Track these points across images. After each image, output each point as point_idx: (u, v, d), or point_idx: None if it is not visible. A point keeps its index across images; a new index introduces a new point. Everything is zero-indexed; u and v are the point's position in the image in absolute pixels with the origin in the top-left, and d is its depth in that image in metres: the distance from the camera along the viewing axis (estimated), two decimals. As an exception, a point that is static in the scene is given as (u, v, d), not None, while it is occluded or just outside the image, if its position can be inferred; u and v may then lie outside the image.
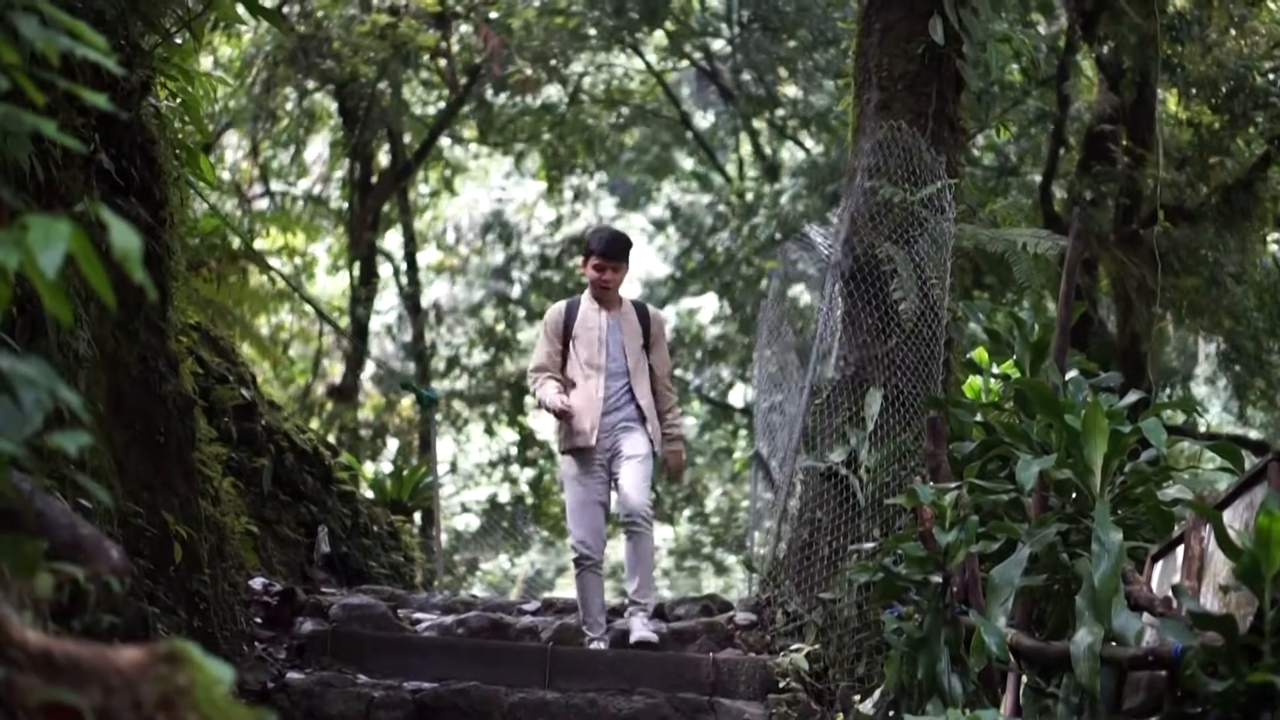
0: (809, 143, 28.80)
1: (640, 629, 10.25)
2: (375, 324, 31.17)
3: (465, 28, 26.18)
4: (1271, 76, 21.00)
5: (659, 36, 28.73)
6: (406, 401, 28.89)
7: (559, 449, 10.96)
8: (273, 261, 22.18)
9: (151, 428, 7.93)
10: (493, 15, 24.90)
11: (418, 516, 19.51)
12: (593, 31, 25.81)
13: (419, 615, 11.25)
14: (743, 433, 31.12)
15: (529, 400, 31.34)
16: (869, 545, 9.72)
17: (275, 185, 29.22)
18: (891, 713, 7.92)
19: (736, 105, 28.68)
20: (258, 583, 10.71)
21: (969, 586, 7.12)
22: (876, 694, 8.53)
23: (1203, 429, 21.87)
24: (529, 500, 31.70)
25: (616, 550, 29.73)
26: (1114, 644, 5.57)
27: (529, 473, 31.87)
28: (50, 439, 2.88)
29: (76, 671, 2.52)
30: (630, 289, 35.83)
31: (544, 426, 31.79)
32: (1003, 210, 13.39)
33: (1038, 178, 22.33)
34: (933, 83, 11.26)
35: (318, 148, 29.55)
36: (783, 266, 12.75)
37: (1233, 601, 5.42)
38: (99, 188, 7.19)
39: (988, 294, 20.55)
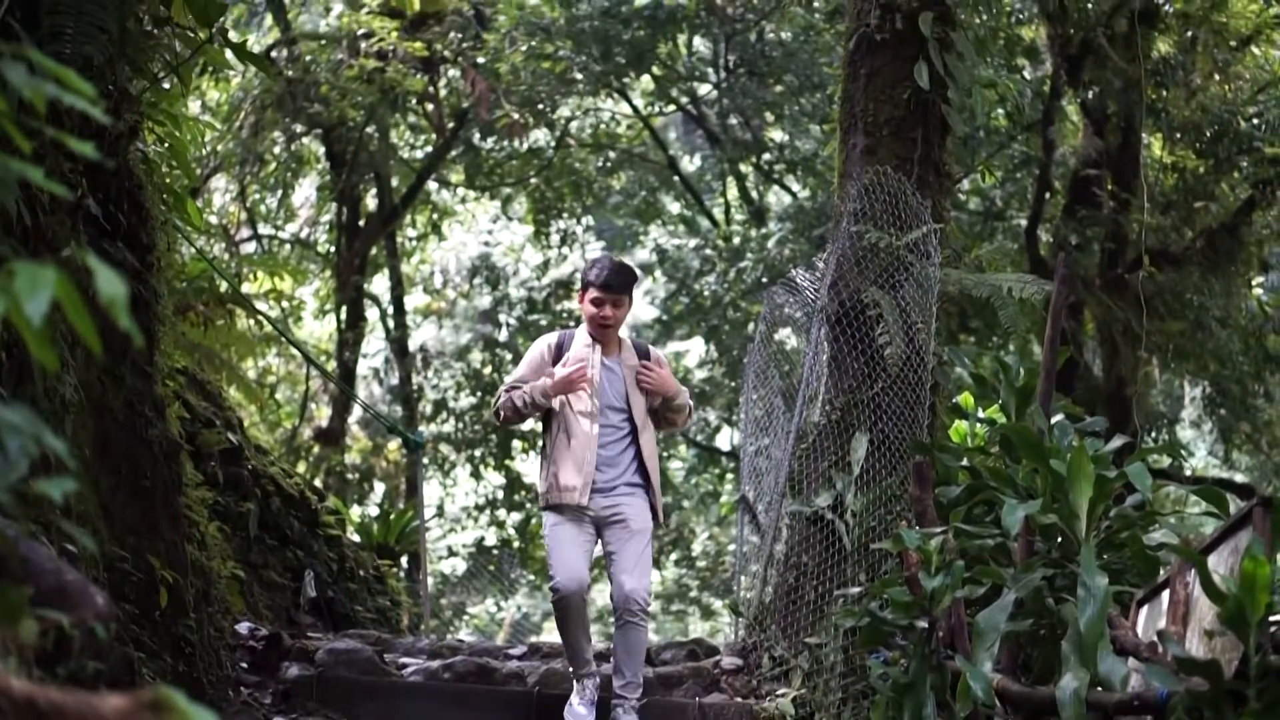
0: (795, 187, 28.85)
1: None
2: (362, 367, 31.16)
3: (453, 72, 26.23)
4: (1255, 121, 21.08)
5: (646, 81, 28.80)
6: (393, 445, 28.87)
7: (540, 503, 9.61)
8: (260, 305, 22.14)
9: (138, 472, 7.92)
10: (480, 60, 24.96)
11: (404, 560, 19.47)
12: (580, 76, 25.86)
13: (405, 660, 11.22)
14: (729, 476, 31.12)
15: (516, 444, 31.35)
16: (855, 590, 9.70)
17: (263, 229, 29.25)
18: (878, 758, 7.91)
19: (723, 149, 28.73)
20: (244, 627, 10.68)
21: (955, 631, 7.11)
22: (863, 739, 8.52)
23: (1188, 473, 21.91)
24: (516, 544, 31.65)
25: (602, 593, 29.73)
26: (1100, 689, 5.57)
27: (516, 516, 31.81)
28: (36, 485, 2.89)
29: (61, 719, 2.51)
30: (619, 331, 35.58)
31: (531, 470, 31.75)
32: (988, 255, 13.44)
33: (1023, 222, 22.39)
34: (918, 128, 11.30)
35: (305, 191, 29.58)
36: (769, 310, 12.74)
37: (1218, 646, 5.43)
38: (86, 232, 7.21)
39: (973, 338, 20.59)
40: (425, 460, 28.32)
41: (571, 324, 31.37)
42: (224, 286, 16.08)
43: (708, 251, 29.00)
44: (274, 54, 24.81)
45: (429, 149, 28.54)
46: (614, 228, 32.97)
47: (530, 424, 32.54)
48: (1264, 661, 4.79)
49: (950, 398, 10.71)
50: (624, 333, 10.00)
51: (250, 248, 28.11)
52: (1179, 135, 21.08)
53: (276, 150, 26.62)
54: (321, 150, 27.41)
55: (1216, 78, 21.49)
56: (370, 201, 28.80)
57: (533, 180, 29.38)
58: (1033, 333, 16.47)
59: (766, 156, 29.13)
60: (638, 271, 10.27)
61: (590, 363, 9.44)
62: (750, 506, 12.73)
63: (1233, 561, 5.64)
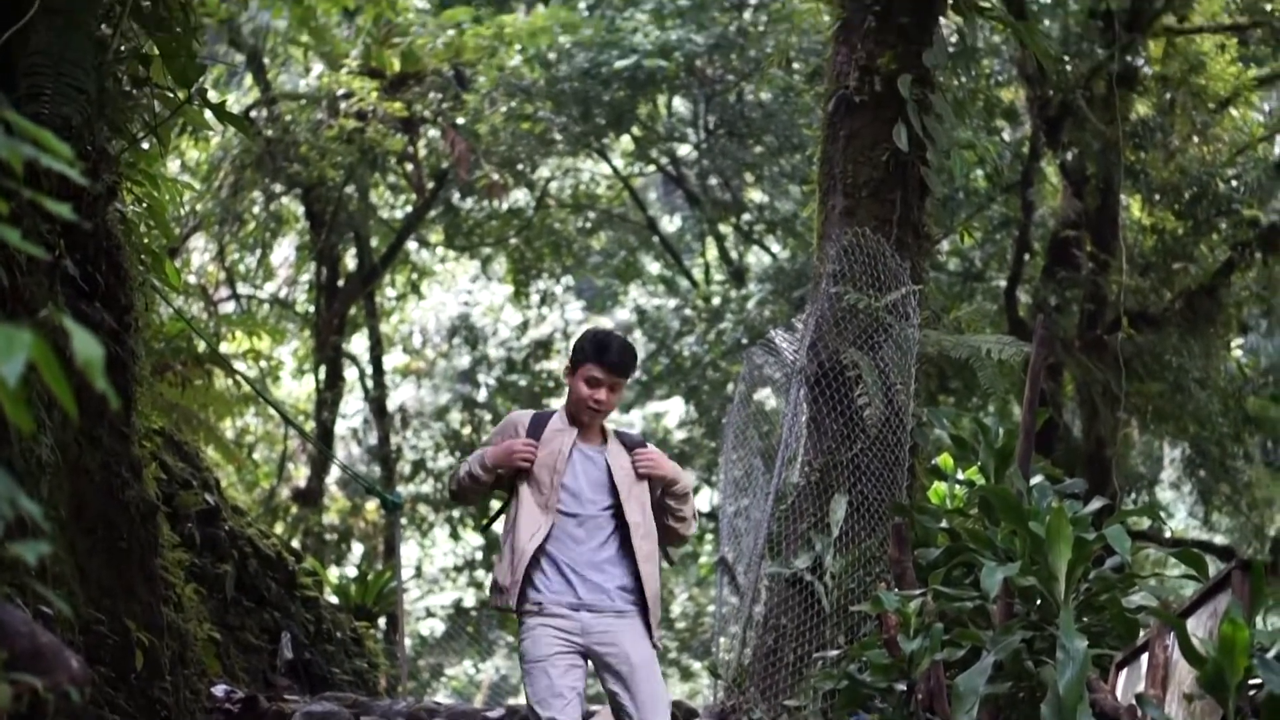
0: (775, 248, 28.90)
1: None
2: (341, 427, 31.10)
3: (433, 132, 26.27)
4: (1234, 183, 21.17)
5: (626, 142, 28.86)
6: (371, 505, 28.79)
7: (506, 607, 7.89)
8: (238, 365, 22.13)
9: (114, 534, 7.89)
10: (460, 120, 25.00)
11: (382, 621, 19.41)
12: (559, 137, 25.92)
13: (383, 722, 11.16)
14: (709, 537, 31.05)
15: (495, 504, 31.23)
16: (834, 652, 9.69)
17: (242, 288, 29.24)
18: (857, 821, 7.88)
19: (703, 210, 28.79)
20: (220, 690, 10.62)
21: (934, 694, 7.10)
22: (842, 802, 8.48)
23: (1168, 534, 21.91)
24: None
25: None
26: (1079, 753, 5.55)
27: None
28: (11, 548, 2.87)
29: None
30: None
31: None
32: (967, 316, 13.45)
33: (1003, 283, 22.44)
34: (897, 189, 11.33)
35: (284, 251, 29.58)
36: (748, 371, 12.75)
37: (1197, 710, 5.42)
38: (64, 293, 7.19)
39: (953, 399, 20.62)
40: (403, 521, 28.27)
41: (551, 386, 31.50)
42: (202, 346, 16.05)
43: (687, 312, 29.02)
44: (253, 114, 24.83)
45: (408, 209, 28.56)
46: (594, 288, 32.99)
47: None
48: (1244, 725, 4.78)
49: (929, 459, 10.72)
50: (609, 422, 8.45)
51: (229, 307, 28.10)
52: (1158, 197, 21.16)
53: (256, 210, 26.63)
54: (301, 210, 27.42)
55: (1195, 140, 21.58)
56: (349, 261, 28.81)
57: (512, 240, 29.41)
58: (1012, 394, 16.52)
59: (746, 217, 29.19)
60: (637, 355, 8.41)
61: (560, 447, 7.83)
62: (729, 568, 12.71)
63: (1212, 625, 5.64)
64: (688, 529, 8.25)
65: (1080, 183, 21.38)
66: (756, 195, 29.10)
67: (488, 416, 31.48)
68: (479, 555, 31.93)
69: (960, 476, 9.33)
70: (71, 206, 3.18)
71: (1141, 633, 6.79)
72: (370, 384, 30.26)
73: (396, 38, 23.86)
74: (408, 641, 20.14)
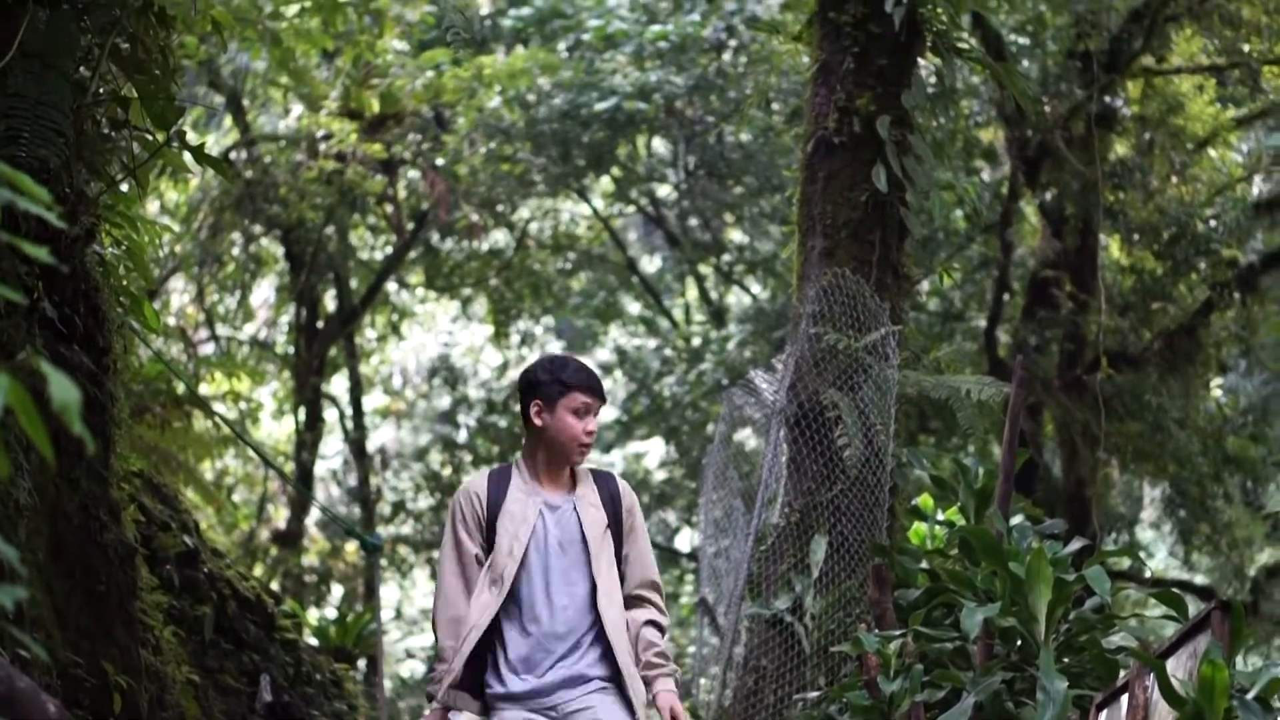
0: (755, 288, 28.93)
1: None
2: (320, 469, 31.05)
3: (412, 174, 26.29)
4: (1213, 223, 21.25)
5: (605, 182, 28.89)
6: (351, 547, 28.72)
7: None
8: (217, 407, 22.11)
9: (92, 577, 7.86)
10: (439, 161, 25.02)
11: (362, 663, 19.35)
12: (539, 178, 25.94)
13: (362, 765, 11.13)
14: (689, 578, 31.00)
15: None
16: (814, 694, 9.67)
17: (221, 330, 29.19)
18: None
19: (683, 250, 28.83)
20: (199, 733, 10.58)
21: (915, 735, 7.09)
22: (823, 844, 8.46)
23: (1148, 574, 21.93)
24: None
25: None
26: (1060, 794, 5.55)
27: (473, 619, 31.61)
28: (-14, 593, 2.86)
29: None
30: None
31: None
32: (946, 357, 13.48)
33: (982, 323, 22.50)
34: (876, 230, 11.35)
35: (264, 292, 29.57)
36: (728, 412, 12.75)
37: (1178, 751, 5.41)
38: (42, 336, 7.18)
39: (933, 439, 20.64)
40: (383, 562, 28.20)
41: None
42: (181, 388, 16.04)
43: (667, 352, 29.02)
44: (233, 155, 24.84)
45: (388, 250, 28.55)
46: (574, 328, 32.99)
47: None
48: (1224, 767, 4.78)
49: (909, 500, 10.73)
50: None
51: (208, 349, 28.06)
52: (1137, 237, 21.23)
53: (235, 251, 26.62)
54: (280, 251, 27.41)
55: (1174, 180, 21.67)
56: (329, 302, 28.79)
57: (492, 281, 29.40)
58: (992, 434, 16.52)
59: (726, 257, 29.23)
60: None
61: (525, 515, 6.93)
62: (710, 609, 12.69)
63: (1191, 665, 5.64)
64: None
65: (1059, 223, 21.44)
66: (736, 236, 29.15)
67: (468, 458, 31.43)
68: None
69: (940, 517, 9.34)
70: (50, 249, 3.18)
71: (1121, 673, 6.78)
72: (350, 425, 30.20)
73: (376, 79, 23.87)
74: (387, 683, 20.07)
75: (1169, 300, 21.57)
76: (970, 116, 21.80)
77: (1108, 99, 20.34)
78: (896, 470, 10.77)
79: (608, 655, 6.87)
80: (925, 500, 9.57)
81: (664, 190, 29.07)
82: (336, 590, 29.81)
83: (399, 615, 32.52)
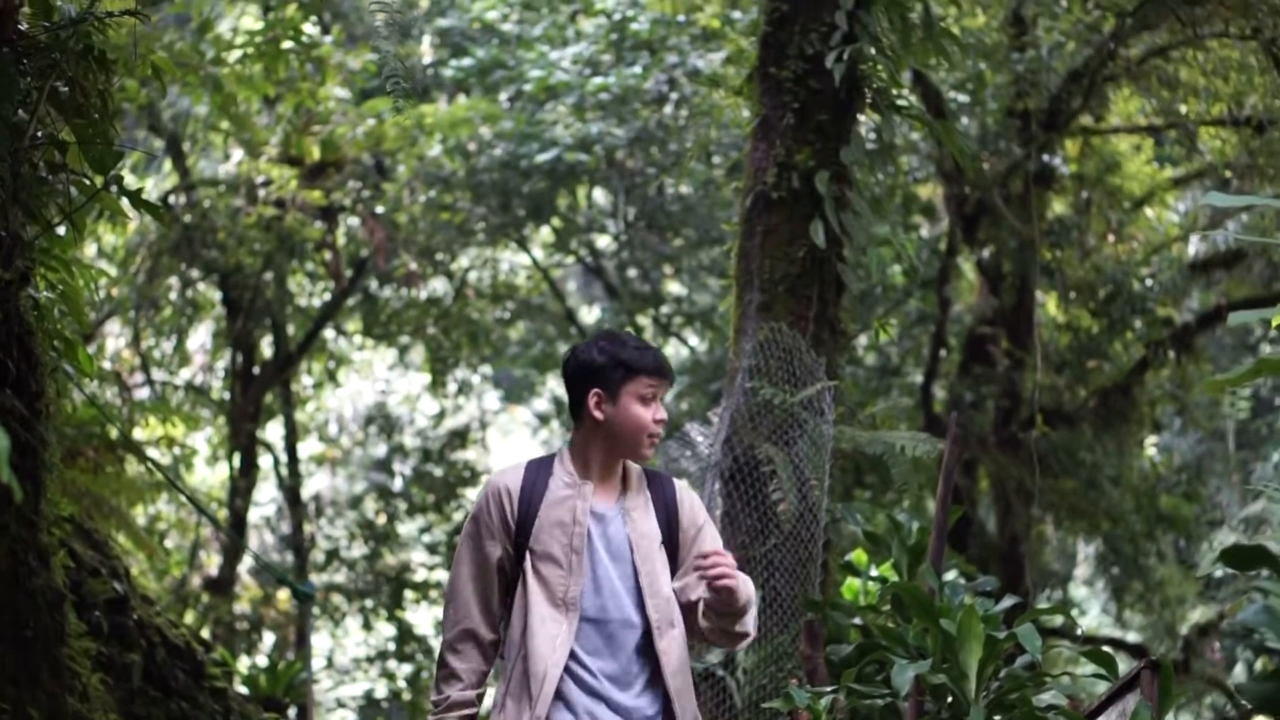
0: (693, 340, 28.96)
1: None
2: (254, 515, 30.88)
3: (352, 221, 26.26)
4: (1149, 282, 21.41)
5: (545, 233, 28.91)
6: (284, 594, 28.57)
7: None
8: (151, 452, 21.98)
9: (19, 622, 7.80)
10: (379, 209, 25.00)
11: (292, 713, 19.21)
12: (479, 227, 25.93)
13: (290, 815, 11.05)
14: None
15: (408, 594, 31.09)
16: (746, 748, 9.65)
17: (157, 374, 29.04)
18: None
19: (621, 301, 28.84)
20: (125, 781, 10.49)
21: (845, 792, 7.08)
22: None
23: (1080, 632, 22.01)
24: (406, 696, 31.30)
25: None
26: None
27: (407, 668, 31.47)
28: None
29: None
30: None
31: (422, 619, 31.50)
32: (882, 412, 13.50)
33: (919, 378, 22.58)
34: (814, 285, 11.37)
35: (201, 337, 29.44)
36: (664, 464, 12.73)
37: (1106, 811, 5.43)
38: (-27, 379, 7.14)
39: (869, 494, 20.67)
40: (316, 610, 28.05)
41: (467, 476, 31.37)
42: (115, 433, 15.94)
43: (603, 404, 28.97)
44: (172, 199, 24.76)
45: (326, 297, 28.48)
46: (511, 378, 32.98)
47: (424, 573, 32.20)
48: (1152, 827, 4.79)
49: (843, 555, 10.73)
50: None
51: (144, 393, 27.90)
52: (1073, 295, 21.37)
53: (172, 296, 26.50)
54: (218, 296, 27.31)
55: (1110, 239, 21.84)
56: (266, 348, 28.68)
57: (430, 329, 29.35)
58: (926, 490, 16.58)
59: (664, 309, 29.26)
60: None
61: (574, 513, 5.91)
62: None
63: (1121, 725, 5.66)
64: (741, 643, 6.24)
65: (997, 280, 21.55)
66: (675, 288, 29.20)
67: (403, 506, 31.35)
68: (391, 645, 31.67)
69: (873, 573, 9.35)
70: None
71: (1052, 732, 6.80)
72: (285, 472, 30.07)
73: (317, 126, 23.84)
74: (318, 733, 19.97)
75: (1104, 358, 21.71)
76: (909, 172, 21.92)
77: (1046, 157, 20.48)
78: (830, 525, 10.77)
79: (658, 689, 5.96)
80: (859, 556, 9.58)
81: (604, 241, 29.10)
82: (268, 638, 29.63)
83: (330, 664, 32.33)
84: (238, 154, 25.39)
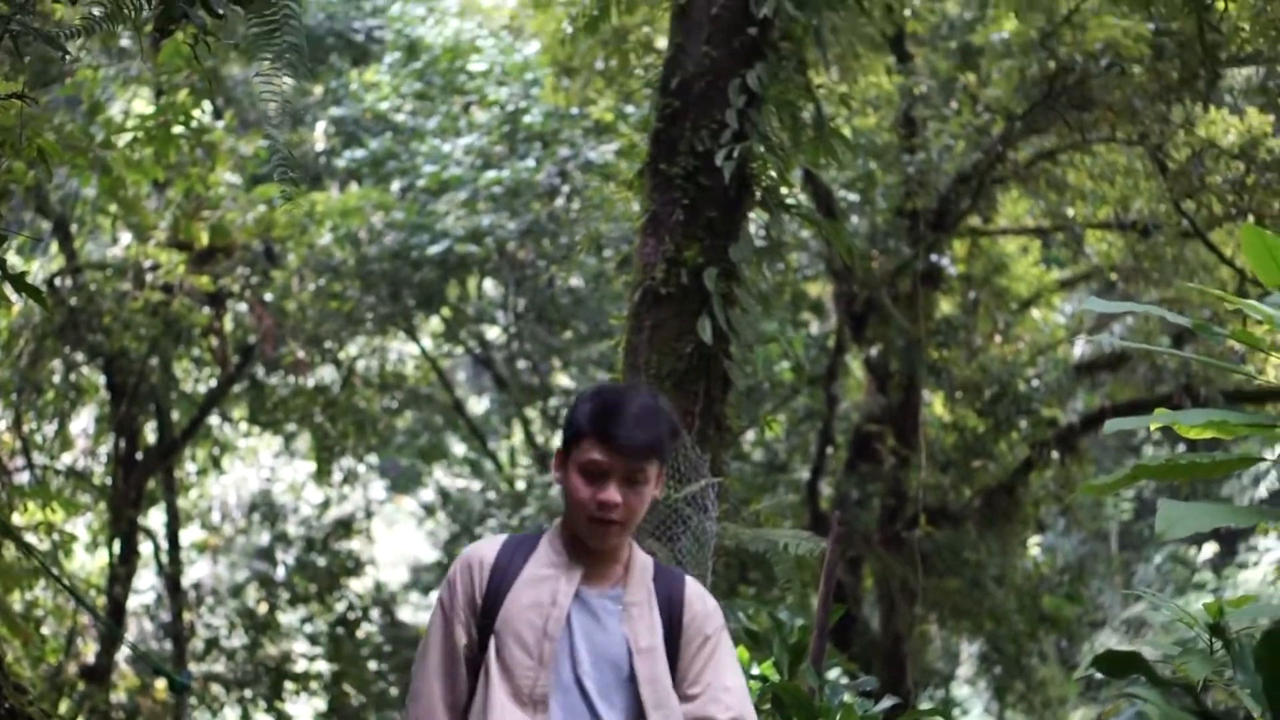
0: (581, 434, 28.90)
1: None
2: (134, 603, 30.50)
3: (240, 307, 26.10)
4: (1034, 383, 21.61)
5: (435, 322, 28.86)
6: (161, 684, 28.19)
7: None
8: (30, 537, 21.65)
9: (-117, 711, 7.66)
10: (268, 296, 24.88)
11: (167, 805, 18.95)
12: (368, 316, 25.86)
13: None
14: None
15: (288, 685, 30.77)
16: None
17: (37, 458, 28.68)
18: None
19: (510, 393, 28.80)
20: None
21: None
22: None
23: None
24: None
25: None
26: None
27: (284, 761, 31.15)
28: None
29: None
30: (399, 573, 34.86)
31: (302, 712, 31.17)
32: (767, 509, 13.48)
33: (806, 475, 22.64)
34: (700, 381, 11.34)
35: (83, 421, 29.12)
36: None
37: None
38: None
39: (754, 589, 20.66)
40: (193, 700, 27.69)
41: (350, 566, 31.18)
42: (-8, 518, 15.71)
43: (491, 495, 28.92)
44: (58, 282, 24.53)
45: (212, 383, 28.27)
46: (398, 468, 32.84)
47: (304, 663, 31.88)
48: None
49: (726, 653, 10.67)
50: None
51: (24, 478, 27.55)
52: (959, 394, 21.51)
53: (55, 379, 26.21)
54: (102, 380, 27.03)
55: (997, 339, 22.03)
56: (149, 434, 28.40)
57: (317, 418, 29.17)
58: (810, 588, 16.54)
59: (553, 402, 29.23)
60: (678, 424, 5.23)
61: (553, 596, 4.99)
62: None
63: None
64: None
65: (884, 378, 21.67)
66: (564, 380, 29.18)
67: (285, 595, 31.06)
68: (270, 736, 31.34)
69: (755, 671, 9.30)
70: None
71: (930, 835, 6.78)
72: (165, 559, 29.73)
73: (206, 211, 23.71)
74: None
75: (989, 458, 21.85)
76: (799, 270, 22.05)
77: (934, 257, 20.65)
78: (713, 622, 10.72)
79: None
80: (741, 654, 9.53)
81: (493, 332, 29.09)
82: (145, 728, 29.22)
83: (208, 754, 31.92)
84: (126, 237, 25.19)
